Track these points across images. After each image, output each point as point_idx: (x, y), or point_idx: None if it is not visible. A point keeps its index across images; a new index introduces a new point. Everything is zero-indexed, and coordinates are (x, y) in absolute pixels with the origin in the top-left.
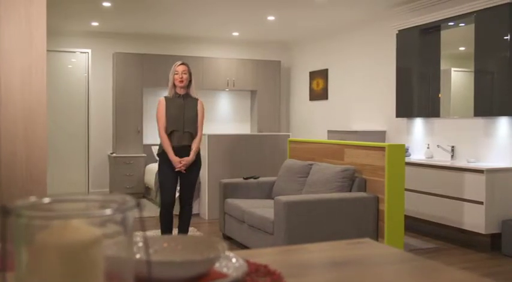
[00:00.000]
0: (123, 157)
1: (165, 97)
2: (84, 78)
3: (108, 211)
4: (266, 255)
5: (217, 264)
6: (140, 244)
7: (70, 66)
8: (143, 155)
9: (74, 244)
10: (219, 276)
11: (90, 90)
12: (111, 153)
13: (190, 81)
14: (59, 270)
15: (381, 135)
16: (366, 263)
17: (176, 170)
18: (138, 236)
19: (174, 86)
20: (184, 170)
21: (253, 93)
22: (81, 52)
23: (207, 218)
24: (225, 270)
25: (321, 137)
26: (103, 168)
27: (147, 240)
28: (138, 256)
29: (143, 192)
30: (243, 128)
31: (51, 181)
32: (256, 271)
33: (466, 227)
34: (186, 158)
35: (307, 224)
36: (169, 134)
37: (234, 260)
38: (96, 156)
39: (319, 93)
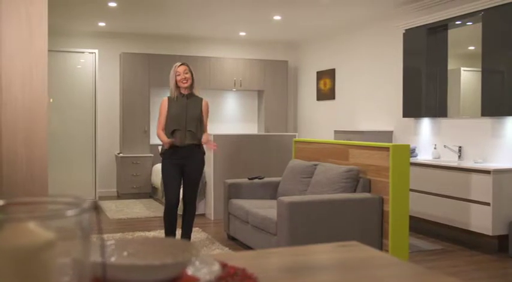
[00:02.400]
0: (130, 157)
1: (169, 97)
2: (92, 79)
3: (62, 213)
4: (249, 258)
5: (191, 268)
6: (113, 247)
7: (79, 66)
8: (150, 155)
9: (25, 248)
10: (190, 280)
11: (97, 90)
12: (118, 154)
13: (193, 81)
14: (11, 274)
15: (388, 135)
16: (350, 266)
17: (170, 144)
18: (111, 239)
19: (177, 87)
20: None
21: (260, 93)
22: (89, 52)
23: (212, 218)
24: (198, 274)
25: (328, 137)
26: (110, 168)
27: (104, 243)
28: (113, 259)
29: (150, 192)
30: (250, 128)
31: (58, 181)
32: (234, 275)
33: (473, 228)
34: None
35: (310, 224)
36: (172, 133)
37: (209, 263)
38: (103, 157)
39: (326, 93)
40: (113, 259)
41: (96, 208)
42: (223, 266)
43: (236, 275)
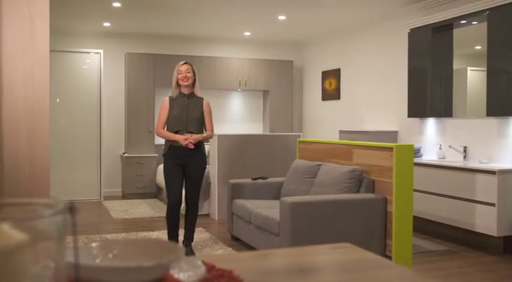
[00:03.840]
0: (135, 157)
1: (170, 97)
2: (97, 79)
3: (36, 215)
4: (240, 260)
5: (176, 270)
6: (97, 248)
7: (86, 66)
8: (155, 155)
9: None
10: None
11: (103, 90)
12: (123, 153)
13: (194, 80)
14: None
15: (393, 135)
16: (341, 269)
17: (184, 144)
18: (97, 240)
19: (179, 85)
20: (193, 145)
21: (265, 93)
22: (94, 52)
23: (216, 219)
24: (183, 275)
25: (333, 137)
26: (115, 168)
27: (77, 245)
28: (97, 261)
29: (155, 192)
30: (255, 128)
31: (63, 181)
32: (220, 276)
33: (478, 229)
34: (193, 135)
35: (313, 225)
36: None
37: (195, 265)
38: (108, 157)
39: (331, 93)
40: (97, 261)
41: (71, 209)
42: (211, 268)
43: (222, 277)
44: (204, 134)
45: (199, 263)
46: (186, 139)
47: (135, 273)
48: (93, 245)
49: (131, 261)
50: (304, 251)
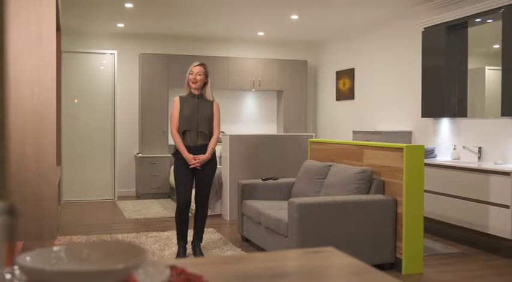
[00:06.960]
0: (148, 157)
1: (180, 96)
2: (111, 79)
3: None
4: (216, 264)
5: (142, 274)
6: (63, 252)
7: (102, 67)
8: (168, 155)
9: None
10: None
11: (117, 91)
12: (137, 154)
13: (205, 83)
14: None
15: (407, 135)
16: (313, 275)
17: (191, 167)
18: (62, 244)
19: (189, 86)
20: (200, 167)
21: (279, 93)
22: (109, 53)
23: (228, 219)
24: (147, 280)
25: (347, 137)
26: (129, 168)
27: (11, 248)
28: (63, 265)
29: (168, 192)
30: (269, 128)
31: (77, 182)
32: (187, 281)
33: (492, 231)
34: (200, 156)
35: (321, 226)
36: (183, 134)
37: (160, 269)
38: (122, 157)
39: (345, 93)
40: (63, 264)
41: (11, 212)
42: (180, 272)
43: (189, 281)
44: (210, 147)
45: (165, 267)
46: (194, 159)
47: (98, 276)
48: (60, 248)
49: (97, 264)
50: (284, 255)
